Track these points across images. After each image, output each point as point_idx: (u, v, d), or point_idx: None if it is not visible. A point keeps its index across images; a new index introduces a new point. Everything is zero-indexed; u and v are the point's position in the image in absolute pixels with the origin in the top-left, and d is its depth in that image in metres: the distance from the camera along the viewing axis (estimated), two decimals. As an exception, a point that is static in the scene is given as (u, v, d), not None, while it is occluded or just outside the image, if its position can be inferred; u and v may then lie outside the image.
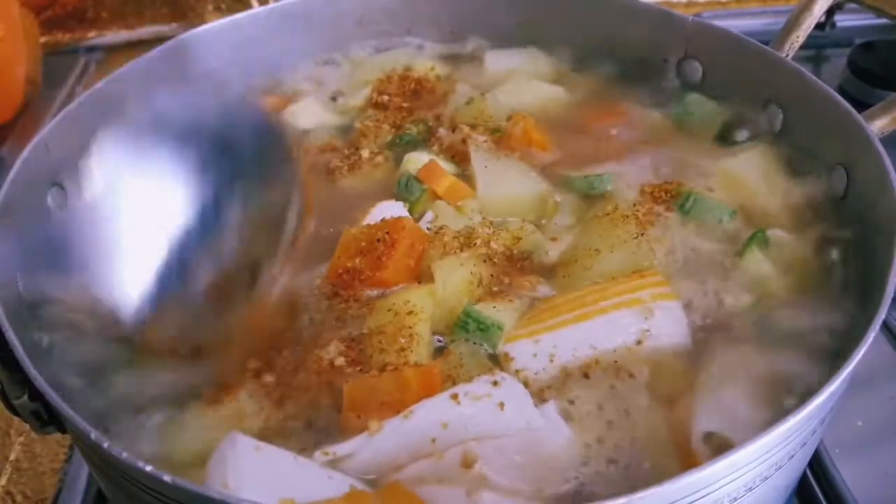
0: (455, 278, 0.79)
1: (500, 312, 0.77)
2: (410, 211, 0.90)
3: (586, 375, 0.72)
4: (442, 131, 1.04)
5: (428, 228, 0.86)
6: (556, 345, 0.73)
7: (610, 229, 0.83)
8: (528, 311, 0.79)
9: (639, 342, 0.74)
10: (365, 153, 1.00)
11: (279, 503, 0.57)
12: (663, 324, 0.75)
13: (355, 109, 1.13)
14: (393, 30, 1.27)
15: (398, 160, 0.99)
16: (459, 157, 0.98)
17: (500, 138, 1.01)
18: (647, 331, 0.74)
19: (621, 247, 0.81)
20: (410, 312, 0.75)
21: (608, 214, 0.85)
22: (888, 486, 0.87)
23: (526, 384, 0.71)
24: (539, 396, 0.71)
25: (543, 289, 0.82)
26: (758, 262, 0.83)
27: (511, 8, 1.22)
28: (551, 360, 0.73)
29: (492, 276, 0.82)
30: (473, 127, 1.02)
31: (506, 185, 0.93)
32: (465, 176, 0.95)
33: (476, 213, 0.89)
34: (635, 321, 0.74)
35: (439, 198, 0.91)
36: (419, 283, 0.81)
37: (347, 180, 0.99)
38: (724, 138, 1.02)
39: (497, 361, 0.75)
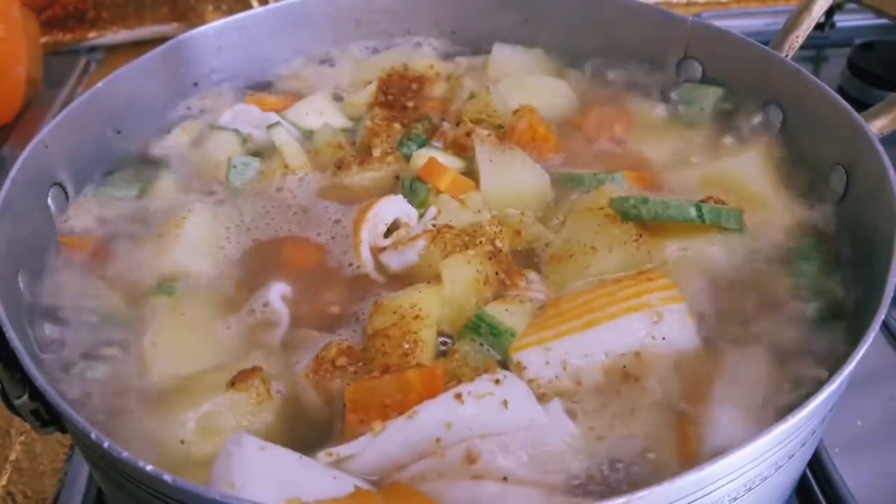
0: (462, 277, 0.78)
1: (512, 316, 0.75)
2: (418, 209, 0.89)
3: (597, 379, 0.72)
4: (446, 126, 1.03)
5: (433, 225, 0.86)
6: (568, 352, 0.72)
7: (607, 226, 0.82)
8: (536, 315, 0.77)
9: (648, 346, 0.73)
10: (376, 151, 0.99)
11: (286, 502, 0.57)
12: (671, 327, 0.74)
13: (360, 108, 1.13)
14: (392, 29, 1.27)
15: (406, 157, 0.99)
16: (464, 152, 0.98)
17: (504, 132, 1.00)
18: (656, 335, 0.73)
19: (620, 248, 0.80)
20: (417, 317, 0.75)
21: (602, 209, 0.84)
22: (888, 486, 0.87)
23: (540, 392, 0.70)
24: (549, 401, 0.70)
25: (538, 284, 0.81)
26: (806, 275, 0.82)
27: (511, 8, 1.22)
28: (564, 368, 0.72)
29: (496, 273, 0.81)
30: (478, 122, 1.02)
31: (509, 179, 0.92)
32: (472, 170, 0.95)
33: (480, 207, 0.88)
34: (644, 325, 0.74)
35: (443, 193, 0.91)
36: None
37: (357, 177, 0.97)
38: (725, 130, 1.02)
39: (505, 364, 0.74)
